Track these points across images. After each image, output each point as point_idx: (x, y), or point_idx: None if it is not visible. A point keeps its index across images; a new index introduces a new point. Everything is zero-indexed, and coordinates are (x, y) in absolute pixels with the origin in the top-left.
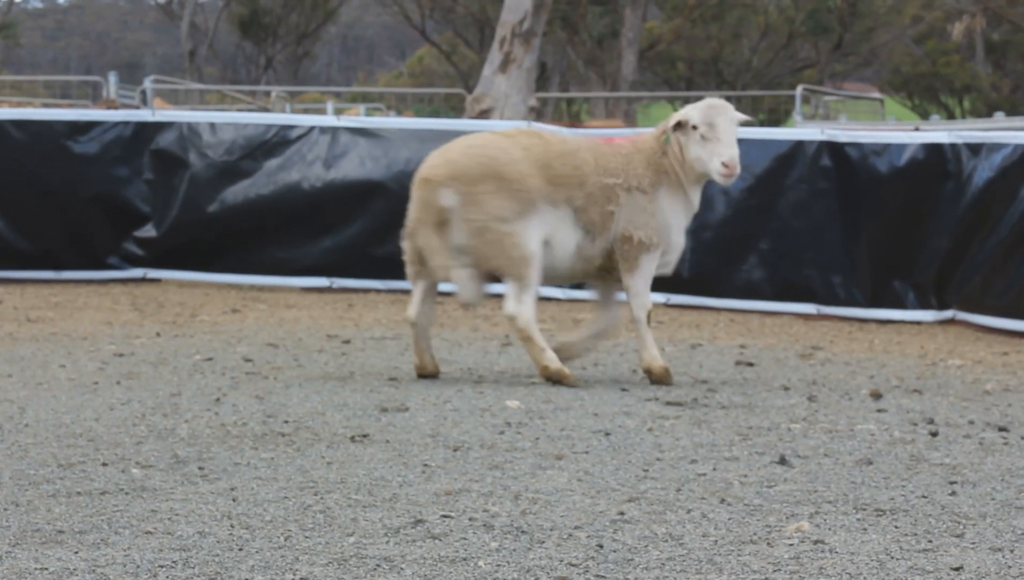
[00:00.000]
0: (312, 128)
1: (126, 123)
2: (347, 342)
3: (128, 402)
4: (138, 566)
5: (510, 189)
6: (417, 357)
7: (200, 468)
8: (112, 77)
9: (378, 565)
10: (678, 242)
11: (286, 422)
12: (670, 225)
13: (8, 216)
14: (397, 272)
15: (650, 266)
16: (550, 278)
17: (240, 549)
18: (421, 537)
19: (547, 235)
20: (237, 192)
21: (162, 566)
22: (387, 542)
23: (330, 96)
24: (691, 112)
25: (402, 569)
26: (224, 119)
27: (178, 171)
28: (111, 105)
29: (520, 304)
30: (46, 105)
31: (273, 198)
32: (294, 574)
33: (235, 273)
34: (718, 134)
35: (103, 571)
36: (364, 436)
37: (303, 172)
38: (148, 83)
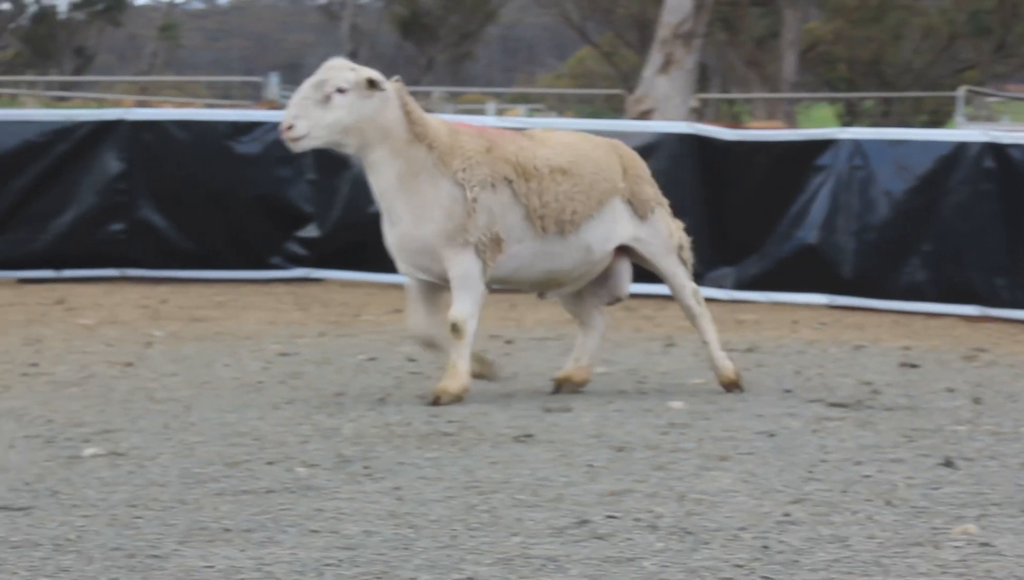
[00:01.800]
0: None
1: None
2: (510, 342)
3: (292, 401)
4: (304, 564)
5: None
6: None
7: (365, 467)
8: (274, 77)
9: (544, 565)
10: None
11: (450, 422)
12: None
13: (172, 216)
14: None
15: None
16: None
17: (406, 548)
18: (586, 537)
19: None
20: None
21: (328, 564)
22: (552, 542)
23: (491, 97)
24: None
25: (568, 569)
26: None
27: (340, 171)
28: (272, 105)
29: None
30: (208, 106)
31: None
32: (460, 573)
33: (398, 273)
34: None
35: (269, 569)
36: (528, 436)
37: None
38: None
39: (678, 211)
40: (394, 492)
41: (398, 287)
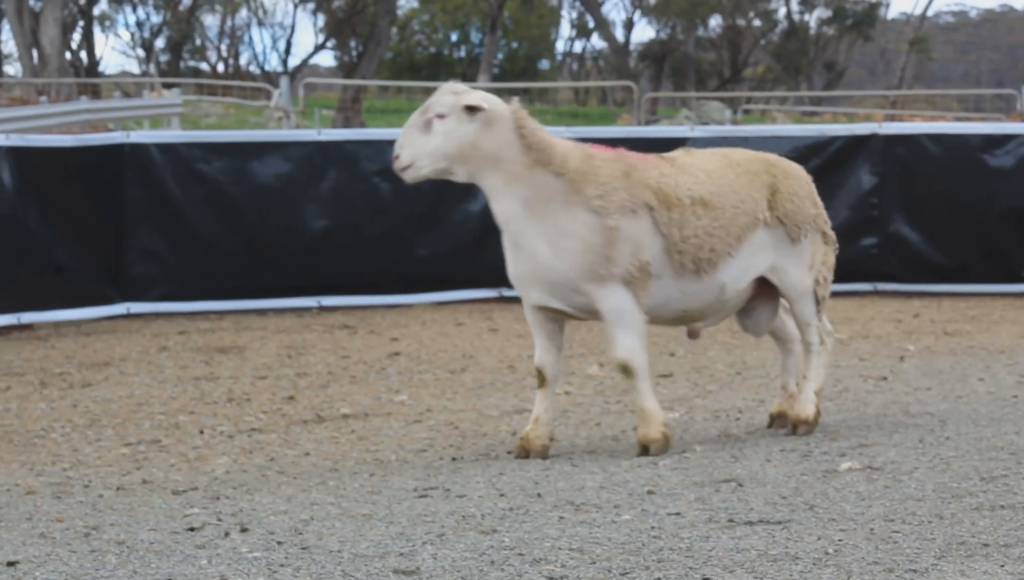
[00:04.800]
0: None
1: None
2: None
3: None
4: None
5: None
6: None
7: None
8: None
9: None
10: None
11: None
12: None
13: (925, 230)
14: None
15: None
16: None
17: None
18: None
19: None
20: None
21: None
22: None
23: None
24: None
25: None
26: None
27: None
28: (1022, 118)
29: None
30: (958, 119)
31: None
32: None
33: None
34: None
35: None
36: None
37: None
38: None
39: None
40: None
41: None
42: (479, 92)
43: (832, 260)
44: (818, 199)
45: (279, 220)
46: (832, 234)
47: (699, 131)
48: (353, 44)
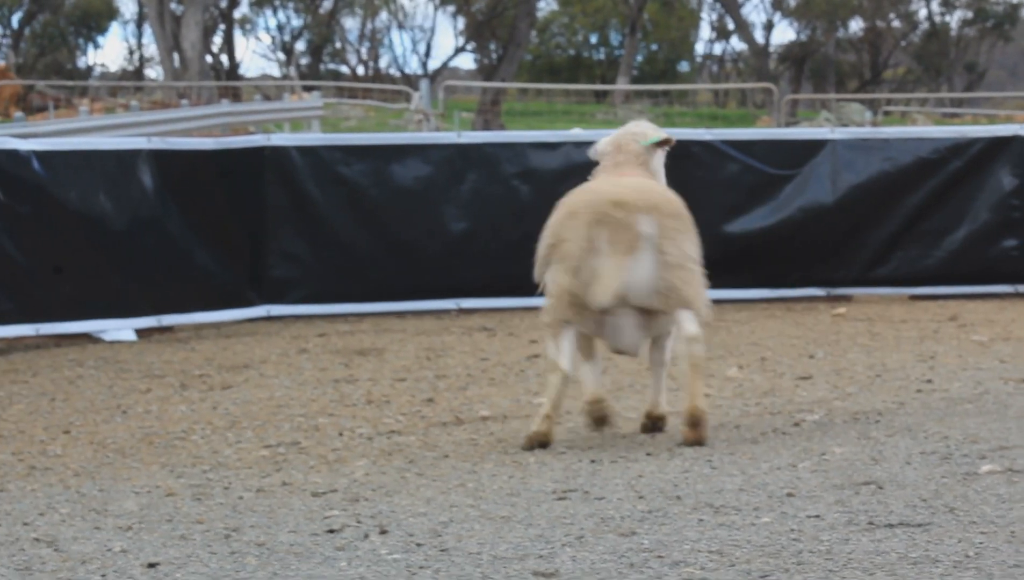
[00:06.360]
0: None
1: None
2: None
3: None
4: None
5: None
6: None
7: None
8: None
9: None
10: None
11: None
12: None
13: None
14: None
15: None
16: None
17: None
18: None
19: None
20: None
21: None
22: None
23: None
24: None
25: None
26: None
27: None
28: None
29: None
30: None
31: None
32: None
33: None
34: None
35: None
36: None
37: None
38: None
39: None
40: None
41: None
42: (631, 126)
43: (553, 286)
44: (552, 234)
45: (418, 223)
46: (565, 263)
47: (839, 133)
48: (493, 47)
